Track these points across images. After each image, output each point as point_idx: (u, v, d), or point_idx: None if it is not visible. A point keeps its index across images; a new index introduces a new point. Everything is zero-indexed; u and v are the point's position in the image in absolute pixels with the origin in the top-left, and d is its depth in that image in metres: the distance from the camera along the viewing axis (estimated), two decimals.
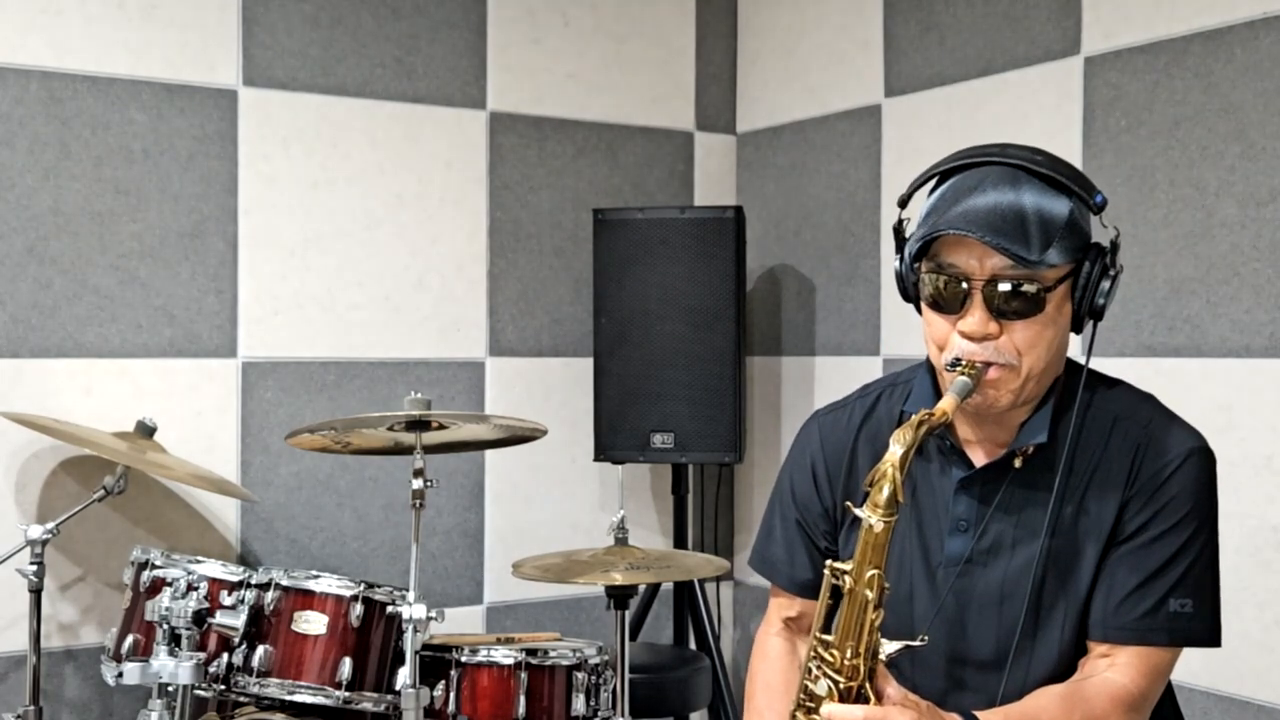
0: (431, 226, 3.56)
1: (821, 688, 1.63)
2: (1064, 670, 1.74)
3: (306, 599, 2.66)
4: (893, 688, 1.61)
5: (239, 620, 2.60)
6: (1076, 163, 2.97)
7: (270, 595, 2.65)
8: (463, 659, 2.70)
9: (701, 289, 3.45)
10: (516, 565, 2.51)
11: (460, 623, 3.54)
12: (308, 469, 3.39)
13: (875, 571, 1.57)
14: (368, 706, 2.67)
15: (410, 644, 2.40)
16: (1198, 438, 1.74)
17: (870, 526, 1.57)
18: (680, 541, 3.71)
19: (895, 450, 1.57)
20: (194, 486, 3.07)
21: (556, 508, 3.73)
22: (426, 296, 3.55)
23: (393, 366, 3.51)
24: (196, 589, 2.60)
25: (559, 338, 3.74)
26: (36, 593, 2.78)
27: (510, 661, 2.70)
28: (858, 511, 1.58)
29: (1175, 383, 2.78)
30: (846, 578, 1.59)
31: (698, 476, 3.98)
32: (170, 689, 2.56)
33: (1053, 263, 1.64)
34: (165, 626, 2.54)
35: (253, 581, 2.67)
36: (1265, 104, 2.64)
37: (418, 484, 2.50)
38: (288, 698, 2.63)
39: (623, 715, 2.58)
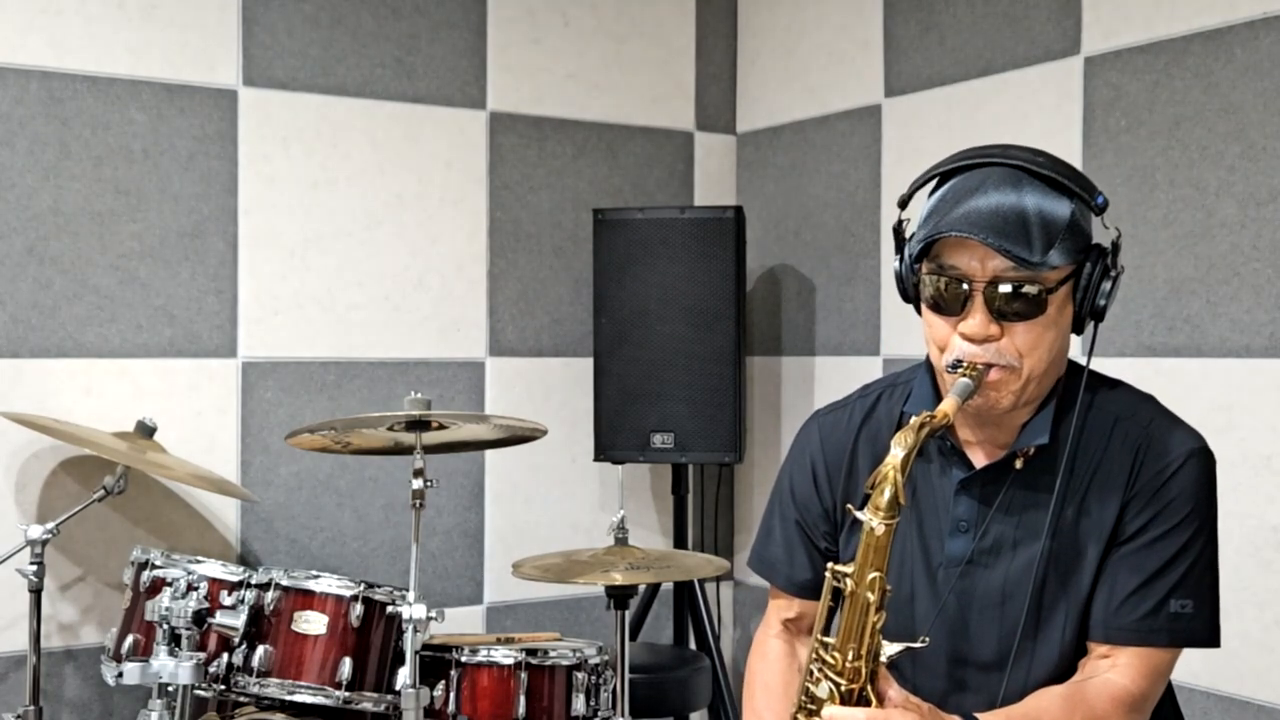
0: (431, 226, 3.56)
1: (823, 690, 1.63)
2: (1065, 671, 1.74)
3: (306, 599, 2.66)
4: (894, 690, 1.61)
5: (239, 620, 2.60)
6: (1076, 163, 2.97)
7: (270, 595, 2.65)
8: (463, 659, 2.70)
9: (701, 289, 3.45)
10: (516, 565, 2.51)
11: (460, 623, 3.54)
12: (308, 469, 3.39)
13: (876, 574, 1.57)
14: (368, 706, 2.67)
15: (410, 644, 2.40)
16: (1198, 439, 1.74)
17: (872, 529, 1.57)
18: (680, 541, 3.71)
19: (896, 453, 1.57)
20: (194, 486, 3.07)
21: (556, 508, 3.73)
22: (426, 296, 3.55)
23: (393, 366, 3.51)
24: (196, 589, 2.60)
25: (559, 338, 3.74)
26: (36, 593, 2.78)
27: (510, 661, 2.70)
28: (859, 514, 1.58)
29: (1175, 383, 2.78)
30: (848, 580, 1.59)
31: (698, 476, 3.98)
32: (170, 689, 2.56)
33: (1054, 264, 1.64)
34: (165, 626, 2.54)
35: (253, 581, 2.67)
36: (1265, 104, 2.64)
37: (418, 484, 2.50)
38: (288, 698, 2.63)
39: (623, 715, 2.58)
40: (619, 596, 2.53)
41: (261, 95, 3.33)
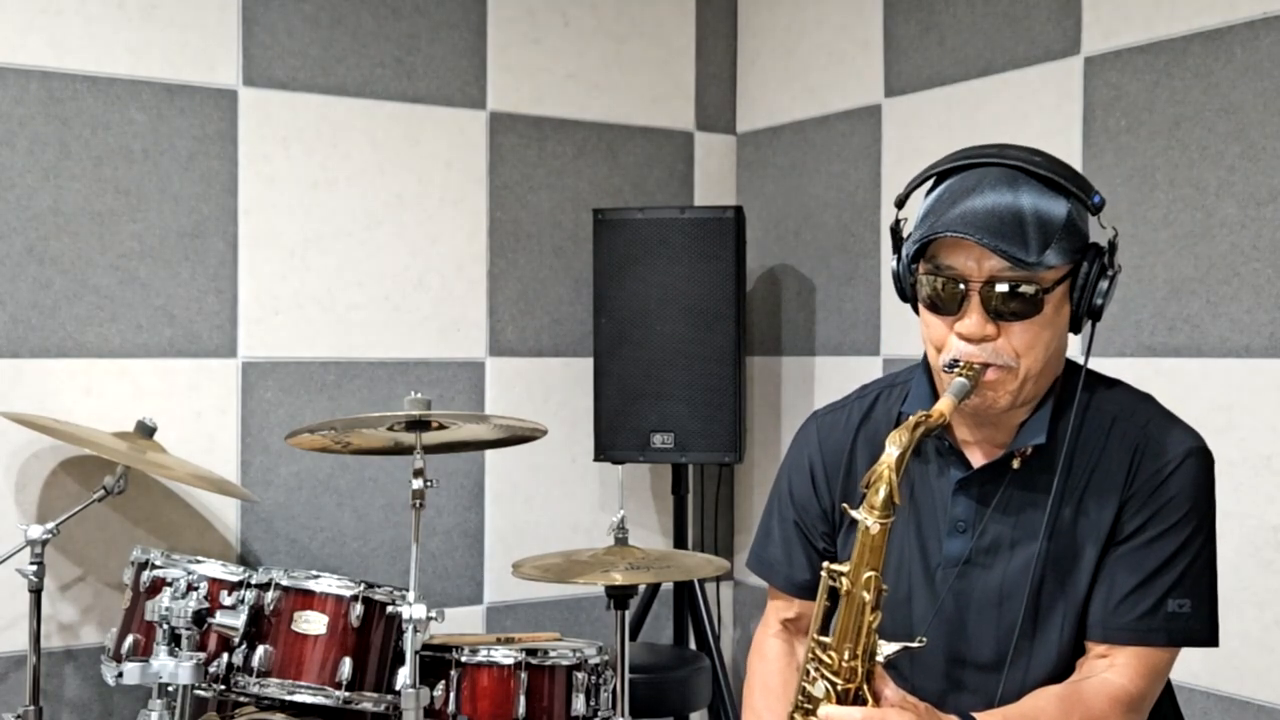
0: (431, 226, 3.56)
1: (819, 689, 1.63)
2: (1063, 671, 1.74)
3: (306, 599, 2.66)
4: (890, 689, 1.61)
5: (239, 620, 2.60)
6: (1076, 163, 2.97)
7: (270, 595, 2.65)
8: (463, 659, 2.70)
9: (701, 289, 3.44)
10: (516, 565, 2.51)
11: (460, 623, 3.54)
12: (308, 469, 3.39)
13: (872, 573, 1.57)
14: (368, 706, 2.67)
15: (410, 644, 2.40)
16: (1196, 438, 1.74)
17: (867, 529, 1.57)
18: (680, 541, 3.71)
19: (891, 452, 1.57)
20: (194, 486, 3.07)
21: (556, 508, 3.73)
22: (426, 296, 3.55)
23: (393, 366, 3.51)
24: (196, 589, 2.60)
25: (559, 338, 3.74)
26: (36, 593, 2.78)
27: (510, 661, 2.70)
28: (854, 514, 1.58)
29: (1175, 383, 2.78)
30: (844, 580, 1.59)
31: (698, 476, 3.98)
32: (170, 689, 2.56)
33: (1051, 264, 1.64)
34: (165, 626, 2.54)
35: (253, 581, 2.67)
36: (1265, 104, 2.64)
37: (418, 484, 2.50)
38: (288, 698, 2.63)
39: (623, 715, 2.58)
40: (619, 596, 2.53)
41: (261, 95, 3.34)
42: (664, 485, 3.82)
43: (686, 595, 3.63)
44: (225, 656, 2.62)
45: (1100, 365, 1.95)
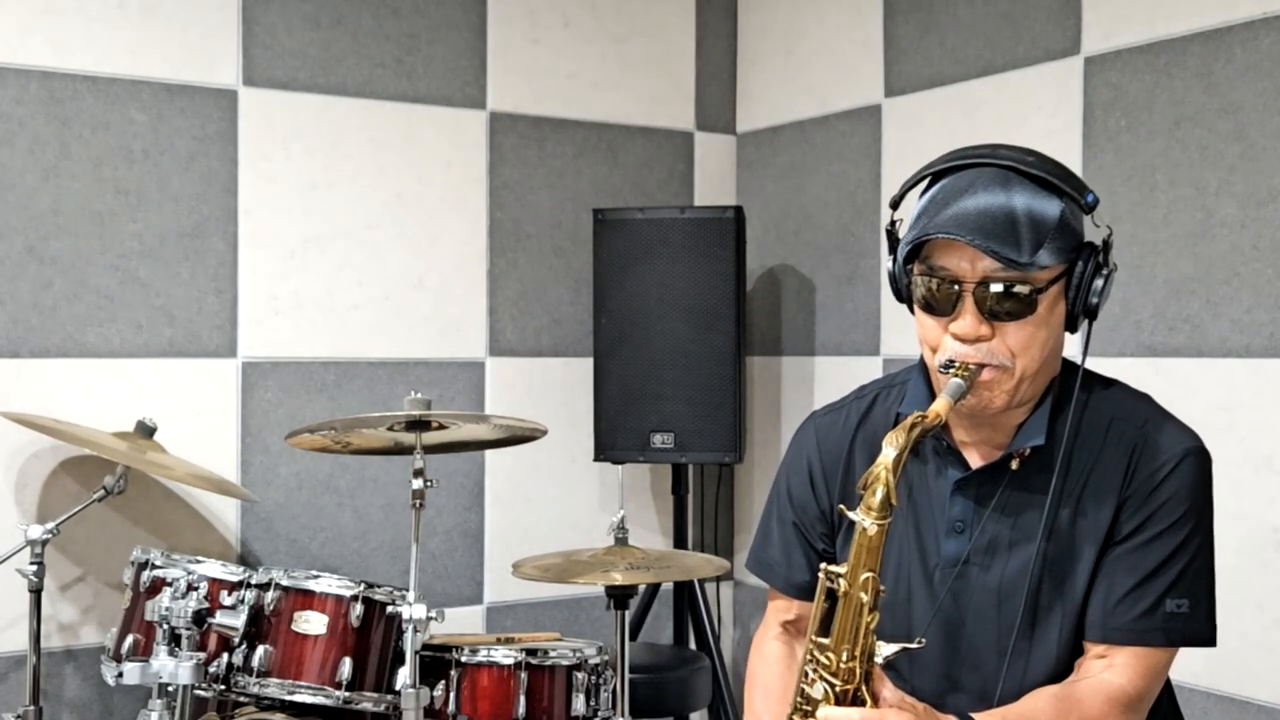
0: (431, 226, 3.56)
1: (818, 691, 1.63)
2: (1061, 671, 1.74)
3: (306, 599, 2.66)
4: (889, 690, 1.61)
5: (239, 620, 2.60)
6: (1076, 163, 2.97)
7: (270, 595, 2.65)
8: (463, 659, 2.70)
9: (701, 289, 3.45)
10: (516, 565, 2.51)
11: (460, 623, 3.54)
12: (308, 469, 3.39)
13: (870, 574, 1.57)
14: (368, 706, 2.67)
15: (410, 644, 2.40)
16: (1193, 438, 1.74)
17: (864, 529, 1.56)
18: (680, 541, 3.71)
19: (888, 453, 1.57)
20: (194, 486, 3.07)
21: (556, 508, 3.73)
22: (426, 296, 3.55)
23: (393, 366, 3.51)
24: (196, 589, 2.60)
25: (559, 338, 3.74)
26: (36, 593, 2.78)
27: (510, 661, 2.70)
28: (851, 515, 1.58)
29: (1175, 383, 2.77)
30: (841, 580, 1.59)
31: (698, 476, 3.98)
32: (170, 689, 2.56)
33: (1044, 264, 1.64)
34: (165, 626, 2.54)
35: (253, 581, 2.67)
36: (1265, 104, 2.64)
37: (418, 484, 2.50)
38: (288, 698, 2.63)
39: (623, 715, 2.58)
40: (619, 596, 2.53)
41: (261, 95, 3.34)
42: (664, 485, 3.82)
43: (686, 595, 3.63)
44: (225, 656, 2.62)
45: (1100, 365, 1.95)
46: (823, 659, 1.62)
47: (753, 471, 4.01)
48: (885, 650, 1.59)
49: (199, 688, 2.58)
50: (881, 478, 1.56)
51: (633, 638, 3.57)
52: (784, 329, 3.88)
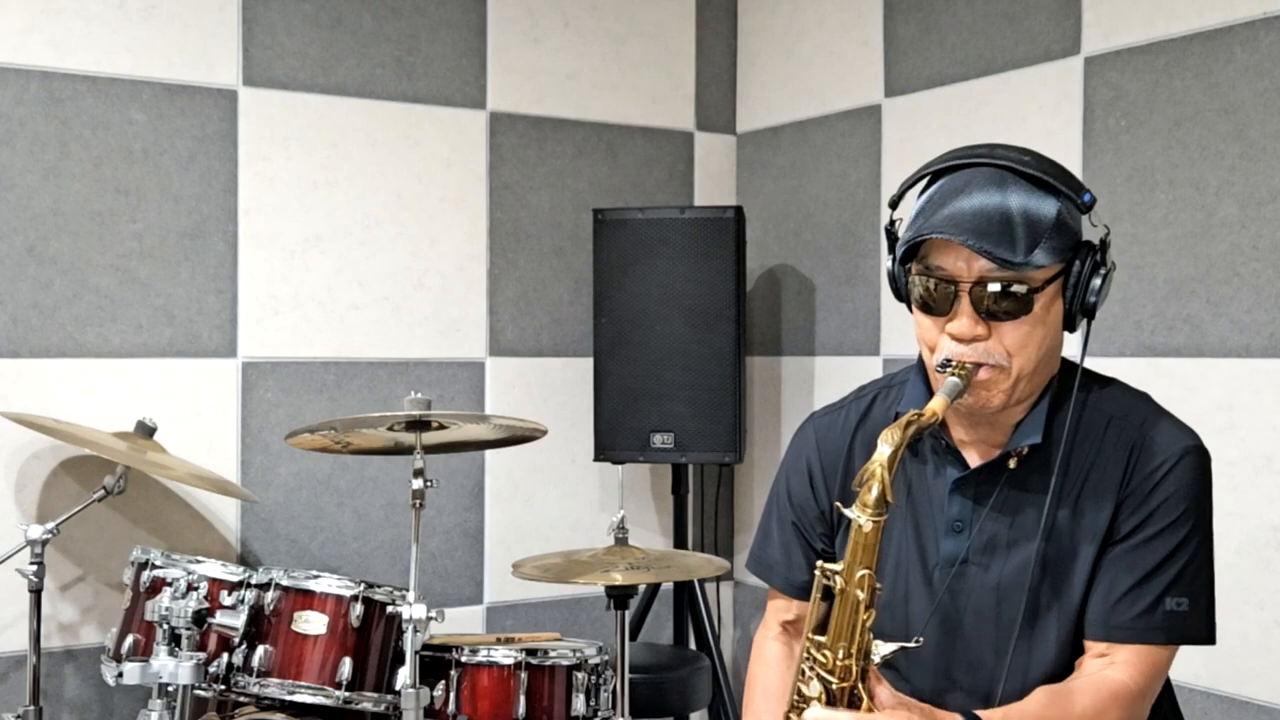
0: (431, 226, 3.56)
1: (814, 689, 1.63)
2: (1061, 670, 1.74)
3: (306, 599, 2.66)
4: (884, 689, 1.61)
5: (239, 620, 2.60)
6: (1076, 163, 2.97)
7: (270, 595, 2.65)
8: (463, 659, 2.70)
9: (701, 289, 3.45)
10: (516, 565, 2.51)
11: (460, 623, 3.54)
12: (308, 469, 3.39)
13: (866, 572, 1.57)
14: (368, 706, 2.67)
15: (410, 644, 2.40)
16: (1192, 436, 1.74)
17: (860, 526, 1.57)
18: (680, 541, 3.71)
19: (884, 450, 1.57)
20: (194, 486, 3.07)
21: (556, 508, 3.73)
22: (426, 296, 3.55)
23: (393, 366, 3.51)
24: (196, 589, 2.60)
25: (559, 338, 3.74)
26: (36, 593, 2.78)
27: (510, 661, 2.70)
28: (847, 512, 1.58)
29: (1175, 383, 2.77)
30: (838, 578, 1.59)
31: (698, 476, 3.98)
32: (170, 689, 2.55)
33: (1040, 264, 1.64)
34: (165, 626, 2.54)
35: (253, 581, 2.67)
36: (1265, 104, 2.64)
37: (418, 484, 2.49)
38: (288, 698, 2.63)
39: (623, 715, 2.58)
40: (619, 596, 2.53)
41: (261, 95, 3.34)
42: (664, 485, 3.82)
43: (686, 595, 3.63)
44: (225, 656, 2.62)
45: (1099, 365, 1.95)
46: (819, 657, 1.62)
47: (753, 471, 4.01)
48: (883, 649, 1.60)
49: (199, 688, 2.58)
50: (877, 474, 1.56)
51: (633, 638, 3.57)
52: (784, 329, 3.88)
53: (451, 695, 2.68)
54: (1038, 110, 3.09)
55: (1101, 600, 1.71)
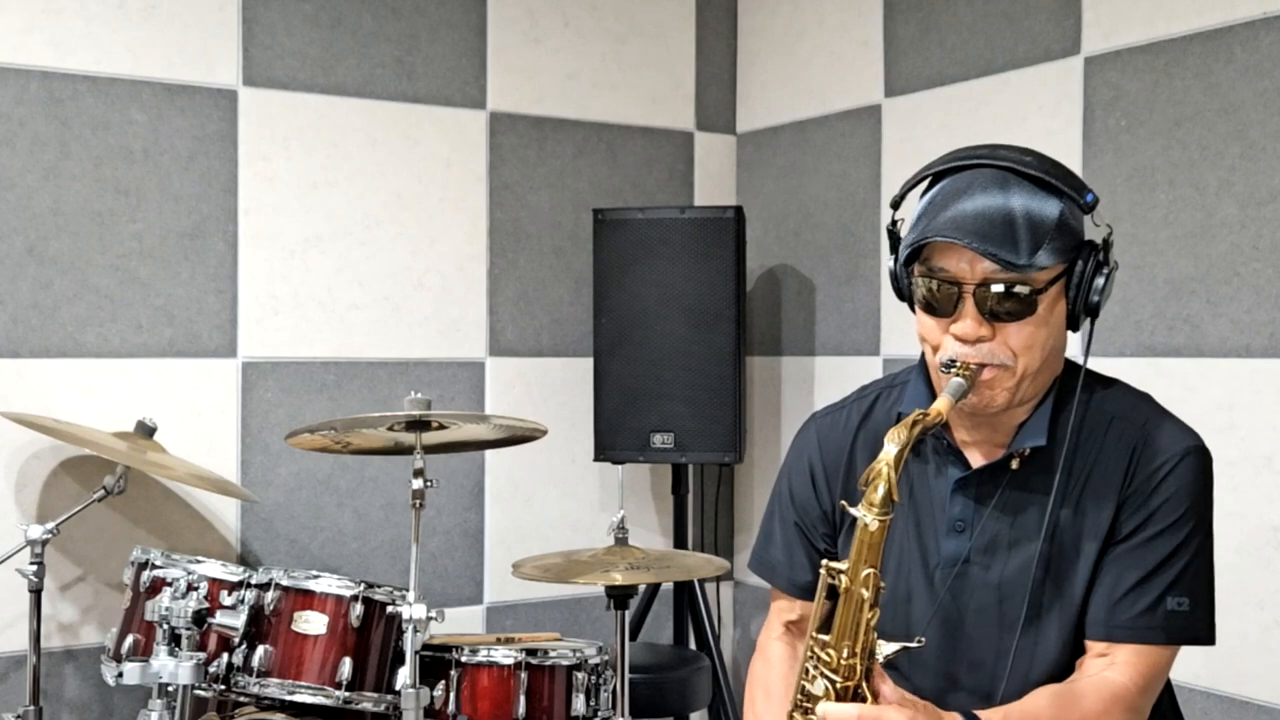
0: (431, 226, 3.56)
1: (818, 687, 1.63)
2: (1062, 670, 1.74)
3: (306, 599, 2.66)
4: (888, 687, 1.61)
5: (239, 620, 2.60)
6: (1076, 162, 2.97)
7: (270, 595, 2.65)
8: (463, 659, 2.70)
9: (701, 289, 3.45)
10: (516, 565, 2.51)
11: (460, 623, 3.54)
12: (308, 469, 3.39)
13: (870, 570, 1.57)
14: (368, 706, 2.67)
15: (410, 644, 2.40)
16: (1193, 437, 1.75)
17: (865, 525, 1.57)
18: (680, 541, 3.71)
19: (890, 449, 1.57)
20: (194, 486, 3.07)
21: (556, 508, 3.73)
22: (426, 296, 3.55)
23: (393, 366, 3.51)
24: (196, 589, 2.60)
25: (559, 338, 3.74)
26: (36, 593, 2.78)
27: (510, 661, 2.70)
28: (853, 510, 1.58)
29: (1175, 383, 2.78)
30: (842, 577, 1.59)
31: (698, 476, 3.98)
32: (170, 689, 2.55)
33: (1043, 264, 1.64)
34: (165, 626, 2.54)
35: (253, 581, 2.67)
36: (1265, 104, 2.64)
37: (418, 484, 2.49)
38: (288, 698, 2.63)
39: (623, 715, 2.58)
40: (619, 596, 2.53)
41: (261, 95, 3.34)
42: (664, 485, 3.82)
43: (686, 595, 3.63)
44: (225, 656, 2.62)
45: (1100, 365, 1.95)
46: (823, 655, 1.62)
47: (753, 471, 4.01)
48: (886, 649, 1.60)
49: (199, 688, 2.58)
50: (883, 473, 1.56)
51: (633, 638, 3.57)
52: (784, 329, 3.88)
53: (451, 695, 2.68)
54: (1038, 110, 3.10)
55: (1103, 600, 1.71)
